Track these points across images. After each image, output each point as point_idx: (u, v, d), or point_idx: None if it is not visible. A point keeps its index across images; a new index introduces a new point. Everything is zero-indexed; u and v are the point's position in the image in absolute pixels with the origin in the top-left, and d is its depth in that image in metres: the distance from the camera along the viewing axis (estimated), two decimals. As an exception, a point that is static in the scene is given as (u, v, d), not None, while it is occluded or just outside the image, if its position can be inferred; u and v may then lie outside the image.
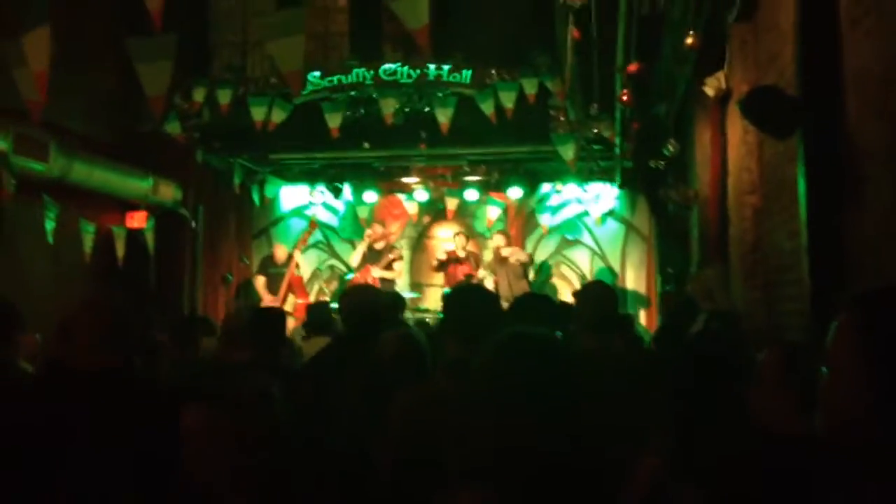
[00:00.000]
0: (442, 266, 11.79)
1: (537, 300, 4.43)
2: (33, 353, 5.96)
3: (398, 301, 6.64)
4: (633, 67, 6.58)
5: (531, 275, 11.88)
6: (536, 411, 1.71)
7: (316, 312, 6.89)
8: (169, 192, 10.67)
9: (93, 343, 2.82)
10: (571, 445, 1.73)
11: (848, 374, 1.58)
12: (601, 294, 3.87)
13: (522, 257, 11.45)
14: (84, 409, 2.51)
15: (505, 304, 5.74)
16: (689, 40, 6.06)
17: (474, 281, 10.94)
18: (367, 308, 4.39)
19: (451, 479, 1.88)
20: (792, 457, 2.24)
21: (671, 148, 7.68)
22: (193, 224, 11.06)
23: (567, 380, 1.78)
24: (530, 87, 9.64)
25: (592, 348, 3.34)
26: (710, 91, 6.62)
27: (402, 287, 12.10)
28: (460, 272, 11.44)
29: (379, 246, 11.57)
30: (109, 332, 2.88)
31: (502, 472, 1.70)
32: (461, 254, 11.62)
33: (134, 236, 10.36)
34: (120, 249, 10.09)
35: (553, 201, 12.71)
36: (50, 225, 8.67)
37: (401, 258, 12.07)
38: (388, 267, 11.57)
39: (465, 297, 3.57)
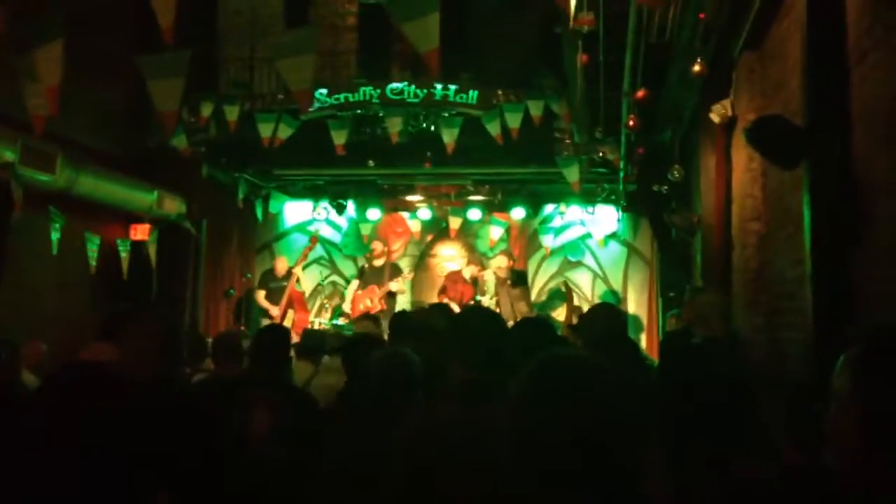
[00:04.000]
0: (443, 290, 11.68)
1: (538, 324, 4.40)
2: (40, 362, 5.98)
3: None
4: (640, 94, 6.62)
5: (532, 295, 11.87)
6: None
7: (308, 339, 6.98)
8: (174, 206, 10.70)
9: (146, 352, 2.87)
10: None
11: (846, 407, 1.62)
12: (608, 315, 3.88)
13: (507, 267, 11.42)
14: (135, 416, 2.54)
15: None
16: (697, 67, 6.11)
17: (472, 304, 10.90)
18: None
19: None
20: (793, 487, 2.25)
21: (676, 173, 7.71)
22: (193, 231, 11.05)
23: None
24: (536, 109, 9.68)
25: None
26: (715, 118, 6.65)
27: (405, 305, 12.10)
28: (465, 295, 11.38)
29: (378, 263, 11.54)
30: (163, 342, 2.93)
31: None
32: (468, 276, 11.60)
33: (137, 249, 10.39)
34: (124, 262, 10.12)
35: (556, 223, 12.75)
36: (55, 236, 8.71)
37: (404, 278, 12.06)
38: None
39: (470, 319, 3.58)
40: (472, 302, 11.07)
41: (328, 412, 4.11)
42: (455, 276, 11.67)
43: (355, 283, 11.67)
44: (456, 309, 10.82)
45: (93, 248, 9.53)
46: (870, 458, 1.57)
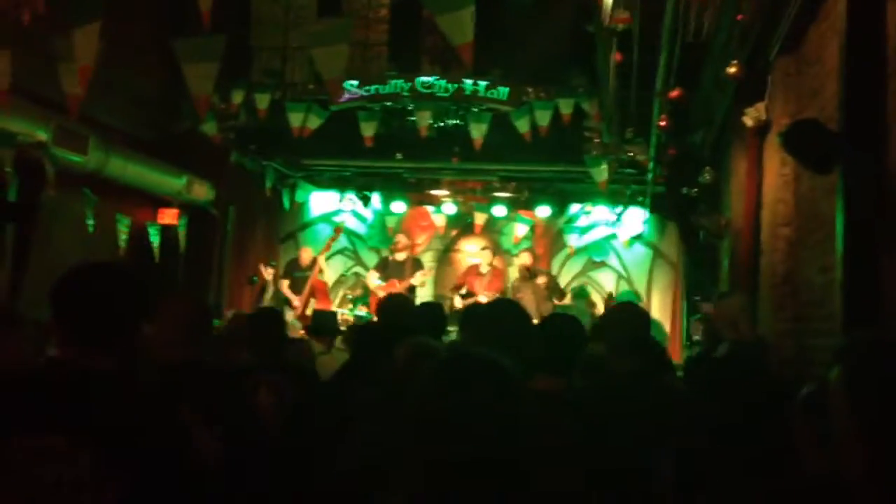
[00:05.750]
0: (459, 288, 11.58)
1: (565, 320, 4.39)
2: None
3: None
4: (675, 93, 6.57)
5: (568, 297, 11.81)
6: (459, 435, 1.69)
7: (319, 318, 7.16)
8: (202, 192, 10.78)
9: (177, 336, 2.89)
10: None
11: (839, 421, 1.63)
12: (633, 315, 3.86)
13: (542, 280, 11.38)
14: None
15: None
16: (732, 69, 6.06)
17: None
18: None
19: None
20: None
21: (707, 175, 7.66)
22: (215, 213, 11.14)
23: (503, 408, 1.75)
24: (566, 108, 9.66)
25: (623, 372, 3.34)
26: (749, 121, 6.59)
27: (426, 300, 12.09)
28: (478, 288, 11.31)
29: (401, 257, 11.49)
30: (193, 325, 2.95)
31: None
32: (484, 270, 11.52)
33: (165, 232, 10.48)
34: (155, 245, 10.22)
35: (581, 222, 12.70)
36: (89, 217, 8.81)
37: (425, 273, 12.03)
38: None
39: (495, 312, 3.56)
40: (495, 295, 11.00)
41: (329, 387, 4.14)
42: (470, 270, 11.61)
43: (373, 273, 11.63)
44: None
45: (123, 230, 9.63)
46: (871, 471, 1.57)
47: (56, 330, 2.17)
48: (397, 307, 4.67)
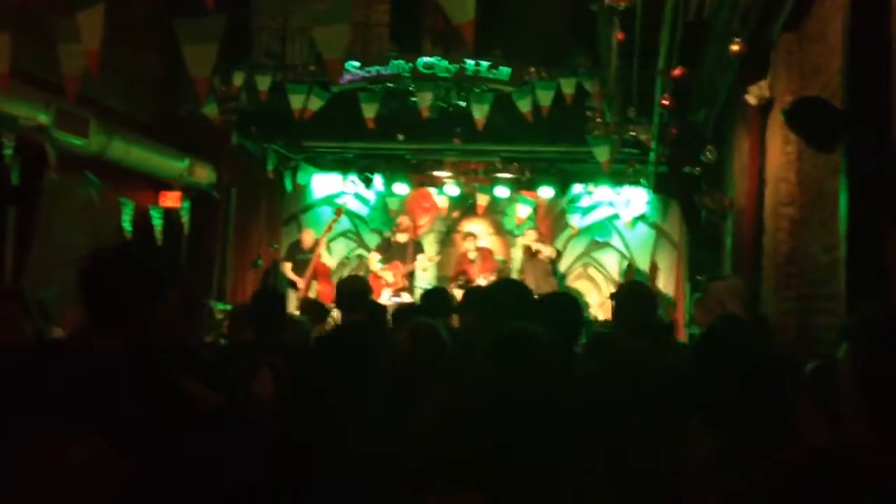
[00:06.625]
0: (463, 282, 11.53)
1: (564, 299, 4.38)
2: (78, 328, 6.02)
3: None
4: (677, 72, 6.54)
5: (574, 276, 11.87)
6: (522, 412, 1.68)
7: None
8: (204, 174, 10.77)
9: (175, 319, 2.90)
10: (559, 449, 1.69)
11: (847, 397, 1.64)
12: (640, 295, 3.86)
13: (551, 252, 11.41)
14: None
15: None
16: (734, 47, 6.02)
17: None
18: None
19: (427, 479, 1.84)
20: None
21: (709, 155, 7.63)
22: (221, 199, 11.13)
23: (558, 381, 1.75)
24: (568, 87, 9.62)
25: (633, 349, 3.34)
26: (752, 99, 6.54)
27: (429, 282, 12.08)
28: (474, 273, 11.29)
29: (402, 239, 11.47)
30: (184, 308, 2.95)
31: (484, 473, 1.67)
32: (472, 256, 11.47)
33: (168, 215, 10.48)
34: (157, 228, 10.23)
35: (584, 202, 12.68)
36: (94, 200, 8.83)
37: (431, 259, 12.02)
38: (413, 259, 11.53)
39: (496, 293, 3.56)
40: (489, 276, 11.00)
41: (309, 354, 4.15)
42: (462, 260, 11.60)
43: (375, 255, 11.62)
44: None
45: (126, 213, 9.64)
46: (878, 445, 1.57)
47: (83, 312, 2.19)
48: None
